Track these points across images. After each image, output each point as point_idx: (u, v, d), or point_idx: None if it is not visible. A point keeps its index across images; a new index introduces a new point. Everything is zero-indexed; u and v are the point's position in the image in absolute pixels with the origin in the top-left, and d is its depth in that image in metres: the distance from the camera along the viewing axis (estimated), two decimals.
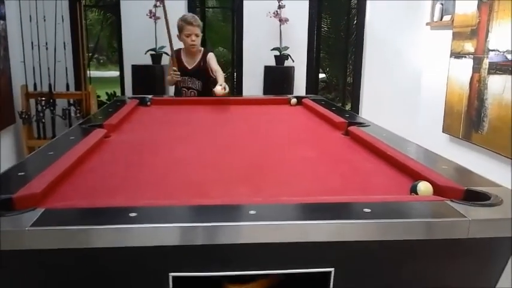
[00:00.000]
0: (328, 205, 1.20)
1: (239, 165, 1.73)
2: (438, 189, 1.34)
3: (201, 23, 3.51)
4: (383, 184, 1.53)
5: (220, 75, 3.34)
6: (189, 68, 3.56)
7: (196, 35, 3.44)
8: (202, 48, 3.60)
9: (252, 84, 5.00)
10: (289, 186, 1.51)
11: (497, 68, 3.64)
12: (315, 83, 5.52)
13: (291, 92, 4.59)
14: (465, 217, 1.12)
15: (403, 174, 1.58)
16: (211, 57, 3.52)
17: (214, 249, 1.08)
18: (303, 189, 1.48)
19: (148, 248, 1.06)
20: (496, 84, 3.66)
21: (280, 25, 4.71)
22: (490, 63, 3.73)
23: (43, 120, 4.42)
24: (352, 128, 2.23)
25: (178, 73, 3.49)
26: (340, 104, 5.91)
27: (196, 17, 3.52)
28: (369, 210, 1.14)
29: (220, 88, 3.11)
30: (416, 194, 1.35)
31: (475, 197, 1.26)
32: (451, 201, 1.22)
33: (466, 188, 1.32)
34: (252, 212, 1.13)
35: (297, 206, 1.22)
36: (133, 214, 1.10)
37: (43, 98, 4.38)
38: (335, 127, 2.42)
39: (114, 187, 1.46)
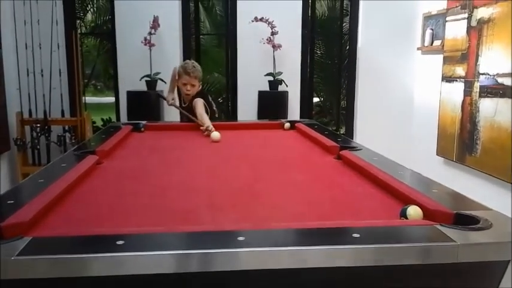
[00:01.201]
0: (317, 230, 1.20)
1: (230, 191, 1.73)
2: (428, 213, 1.34)
3: (200, 75, 3.53)
4: (373, 208, 1.53)
5: (204, 119, 3.22)
6: (184, 105, 3.64)
7: (192, 85, 3.49)
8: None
9: (246, 109, 5.03)
10: (279, 210, 1.51)
11: (488, 91, 3.68)
12: (308, 108, 5.56)
13: (285, 117, 4.61)
14: (454, 241, 1.11)
15: (393, 198, 1.58)
16: (197, 103, 3.41)
17: (202, 277, 1.07)
18: (294, 213, 1.48)
19: (135, 277, 1.04)
20: (487, 107, 3.69)
21: (273, 51, 4.77)
22: (481, 87, 3.77)
23: (38, 147, 4.42)
24: (344, 152, 2.24)
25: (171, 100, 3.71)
26: (335, 128, 5.94)
27: (197, 67, 3.53)
28: (358, 235, 1.14)
29: (210, 133, 2.97)
30: (406, 218, 1.35)
31: (465, 221, 1.26)
32: (441, 225, 1.22)
33: (455, 212, 1.32)
34: (240, 238, 1.12)
35: (287, 231, 1.22)
36: (120, 242, 1.09)
37: (38, 125, 4.39)
38: (327, 151, 2.43)
39: (102, 215, 1.46)
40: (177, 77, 3.58)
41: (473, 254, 1.12)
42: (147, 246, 1.09)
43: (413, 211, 1.36)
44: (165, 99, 3.75)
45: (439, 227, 1.21)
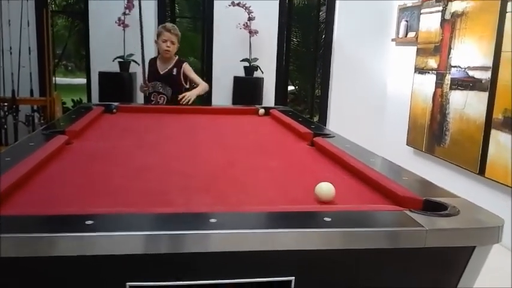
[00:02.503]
0: (289, 214, 1.21)
1: (203, 174, 1.72)
2: (398, 200, 1.36)
3: (179, 33, 3.64)
4: (344, 194, 1.55)
5: (201, 83, 3.68)
6: (161, 72, 3.66)
7: (172, 43, 3.57)
8: (177, 57, 3.71)
9: (221, 94, 5.00)
10: (252, 195, 1.51)
11: (458, 84, 3.76)
12: (283, 95, 5.57)
13: (260, 103, 4.62)
14: (422, 227, 1.14)
15: (364, 184, 1.61)
16: (188, 69, 3.68)
17: (172, 258, 1.06)
18: (266, 198, 1.48)
19: (104, 257, 1.03)
20: (457, 99, 3.77)
21: (250, 37, 4.74)
22: (452, 79, 3.85)
23: (5, 127, 4.31)
24: (317, 139, 2.25)
25: (146, 86, 3.64)
26: (309, 116, 5.97)
27: (176, 27, 3.66)
28: (329, 219, 1.15)
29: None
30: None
31: (433, 207, 1.29)
32: (410, 211, 1.24)
33: (424, 198, 1.34)
34: (212, 220, 1.12)
35: (258, 214, 1.22)
36: (89, 222, 1.07)
37: (5, 104, 4.27)
38: (301, 138, 2.44)
39: (71, 195, 1.43)
40: (156, 38, 3.69)
41: (440, 240, 1.15)
42: (116, 226, 1.08)
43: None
44: (146, 85, 3.66)
45: (408, 212, 1.23)
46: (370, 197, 1.48)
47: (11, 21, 4.21)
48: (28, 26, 4.33)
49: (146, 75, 3.65)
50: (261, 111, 3.34)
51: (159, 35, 3.62)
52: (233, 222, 1.14)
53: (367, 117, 5.20)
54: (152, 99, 3.67)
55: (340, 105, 5.29)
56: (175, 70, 3.67)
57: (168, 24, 3.69)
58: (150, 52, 4.83)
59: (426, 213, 1.23)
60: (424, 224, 1.15)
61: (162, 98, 3.64)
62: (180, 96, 3.51)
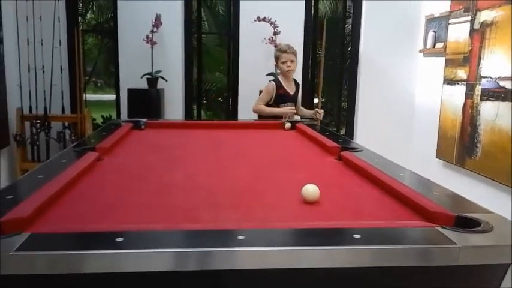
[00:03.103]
0: (317, 230, 1.19)
1: (230, 190, 1.73)
2: (429, 215, 1.33)
3: (295, 51, 3.76)
4: (374, 209, 1.53)
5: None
6: (291, 93, 3.83)
7: (292, 61, 3.71)
8: (293, 78, 3.91)
9: (248, 108, 5.01)
10: (279, 210, 1.50)
11: (489, 95, 3.68)
12: (309, 108, 5.54)
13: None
14: (455, 244, 1.11)
15: (394, 199, 1.58)
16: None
17: (201, 275, 1.06)
18: (294, 214, 1.47)
19: (134, 274, 1.04)
20: (488, 110, 3.69)
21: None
22: (483, 90, 3.77)
23: (37, 143, 4.42)
24: (344, 153, 2.23)
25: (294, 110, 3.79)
26: (335, 129, 5.93)
27: (290, 45, 3.78)
28: (358, 236, 1.13)
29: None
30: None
31: (466, 223, 1.26)
32: (442, 227, 1.21)
33: (456, 214, 1.31)
34: (240, 237, 1.12)
35: (286, 231, 1.21)
36: (119, 239, 1.08)
37: (38, 121, 4.39)
38: (328, 152, 2.42)
39: (101, 211, 1.45)
40: (275, 62, 3.86)
41: (474, 257, 1.11)
42: (146, 243, 1.08)
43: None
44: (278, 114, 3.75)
45: (440, 229, 1.20)
46: (400, 212, 1.45)
47: (43, 41, 4.34)
48: (60, 45, 4.46)
49: (272, 99, 3.75)
50: (287, 125, 3.34)
51: (277, 58, 3.75)
52: (261, 239, 1.13)
53: (395, 130, 5.13)
54: (284, 119, 3.69)
55: (367, 118, 5.24)
56: (296, 90, 3.89)
57: (283, 46, 3.81)
58: (177, 70, 4.93)
59: (459, 229, 1.20)
60: (457, 241, 1.12)
61: (290, 116, 3.81)
62: (320, 112, 3.74)
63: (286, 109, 3.71)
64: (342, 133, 5.60)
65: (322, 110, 3.75)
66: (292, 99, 3.82)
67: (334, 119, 7.01)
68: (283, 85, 3.77)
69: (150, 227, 1.20)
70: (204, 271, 1.06)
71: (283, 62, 3.70)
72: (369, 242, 1.12)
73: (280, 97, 3.75)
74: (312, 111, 3.86)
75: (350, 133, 5.36)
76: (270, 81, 3.90)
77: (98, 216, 1.40)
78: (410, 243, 1.15)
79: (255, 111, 3.84)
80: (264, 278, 1.07)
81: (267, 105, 3.78)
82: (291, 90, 3.81)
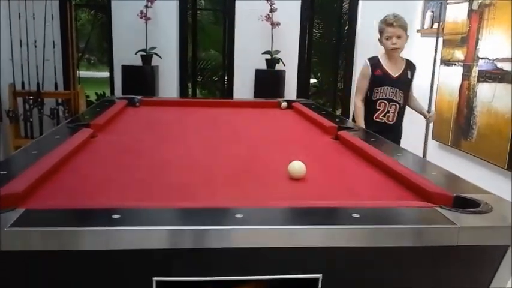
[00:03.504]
0: (316, 210, 1.18)
1: (226, 168, 1.71)
2: (427, 196, 1.32)
3: (405, 24, 3.02)
4: (372, 189, 1.52)
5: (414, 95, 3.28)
6: (394, 75, 3.06)
7: (399, 37, 2.98)
8: (405, 58, 3.20)
9: (243, 87, 4.98)
10: (277, 189, 1.49)
11: (486, 76, 3.66)
12: (305, 88, 5.52)
13: (282, 96, 4.57)
14: (455, 224, 1.10)
15: (391, 179, 1.57)
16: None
17: (199, 254, 1.05)
18: (291, 193, 1.46)
19: (130, 251, 1.03)
20: (485, 92, 3.68)
21: (271, 29, 4.70)
22: (480, 71, 3.74)
23: (30, 120, 4.36)
24: (341, 133, 2.22)
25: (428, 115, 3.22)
26: (331, 109, 5.91)
27: (399, 16, 3.02)
28: (357, 216, 1.12)
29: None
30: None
31: (465, 203, 1.25)
32: (441, 207, 1.21)
33: (455, 194, 1.30)
34: (238, 215, 1.10)
35: (285, 210, 1.20)
36: (116, 216, 1.07)
37: (31, 97, 4.33)
38: (325, 131, 2.40)
39: (97, 188, 1.43)
40: (378, 36, 3.13)
41: (473, 238, 1.11)
42: (143, 221, 1.07)
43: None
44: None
45: (439, 209, 1.20)
46: (398, 192, 1.45)
47: (35, 16, 4.25)
48: (52, 19, 4.37)
49: (367, 81, 3.06)
50: (284, 104, 3.31)
51: (381, 32, 3.06)
52: (260, 217, 1.12)
53: None
54: (378, 108, 3.04)
55: None
56: (409, 73, 3.15)
57: (389, 17, 3.03)
58: (172, 47, 4.86)
59: (458, 210, 1.19)
60: (456, 221, 1.12)
61: (394, 107, 3.06)
62: (432, 116, 3.32)
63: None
64: (338, 113, 5.59)
65: (434, 113, 3.35)
66: (397, 83, 3.04)
67: (330, 98, 6.99)
68: (383, 64, 3.05)
69: (146, 205, 1.19)
70: (202, 249, 1.05)
71: (388, 38, 2.98)
72: (368, 221, 1.11)
73: (378, 80, 3.03)
74: (424, 109, 3.31)
75: (346, 113, 5.34)
76: (365, 61, 3.15)
77: (93, 193, 1.38)
78: (410, 223, 1.14)
79: (354, 106, 3.15)
80: (262, 257, 1.06)
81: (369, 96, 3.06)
82: (394, 71, 3.06)
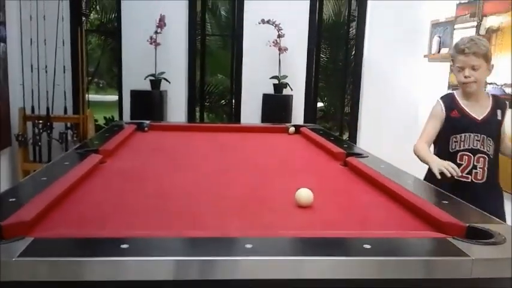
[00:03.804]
0: (326, 240, 1.17)
1: (235, 195, 1.70)
2: (439, 226, 1.30)
3: (483, 50, 2.22)
4: (382, 218, 1.50)
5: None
6: (478, 118, 2.31)
7: (474, 68, 2.23)
8: (490, 94, 2.45)
9: (251, 111, 4.99)
10: (286, 218, 1.48)
11: None
12: (313, 112, 5.52)
13: (289, 121, 4.58)
14: (468, 256, 1.08)
15: (402, 208, 1.55)
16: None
17: (208, 285, 1.04)
18: (301, 221, 1.45)
19: (139, 282, 1.01)
20: None
21: (279, 54, 4.74)
22: None
23: (39, 144, 4.38)
24: (350, 159, 2.21)
25: (455, 169, 2.10)
26: (338, 133, 5.90)
27: (476, 40, 2.26)
28: (369, 247, 1.10)
29: None
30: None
31: (478, 234, 1.23)
32: (453, 238, 1.19)
33: (468, 224, 1.28)
34: (248, 245, 1.09)
35: (295, 240, 1.19)
36: (124, 246, 1.06)
37: (40, 121, 4.35)
38: (333, 157, 2.39)
39: (105, 216, 1.42)
40: (450, 67, 2.53)
41: (487, 270, 1.09)
42: (152, 251, 1.06)
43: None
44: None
45: (451, 240, 1.18)
46: (409, 221, 1.43)
47: (47, 41, 4.32)
48: (63, 45, 4.43)
49: (439, 123, 2.41)
50: (291, 129, 3.31)
51: (452, 62, 2.36)
52: (269, 248, 1.11)
53: (399, 135, 5.08)
54: (460, 162, 2.28)
55: (371, 123, 5.21)
56: (498, 113, 2.35)
57: (461, 41, 2.29)
58: (181, 72, 4.90)
59: (471, 241, 1.17)
60: (470, 253, 1.10)
61: (482, 160, 2.30)
62: None
63: (444, 163, 2.12)
64: (345, 137, 5.58)
65: None
66: (483, 128, 2.29)
67: (337, 123, 6.99)
68: (461, 104, 2.36)
69: (154, 234, 1.18)
70: (211, 280, 1.03)
71: (460, 70, 2.28)
72: (379, 252, 1.09)
73: (456, 124, 2.33)
74: None
75: (353, 137, 5.33)
76: (438, 100, 2.50)
77: (102, 221, 1.37)
78: (423, 254, 1.12)
79: (414, 152, 2.44)
80: None
81: (440, 141, 2.41)
82: (477, 112, 2.32)
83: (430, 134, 2.43)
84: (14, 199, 1.43)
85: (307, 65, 5.12)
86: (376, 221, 1.46)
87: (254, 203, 1.61)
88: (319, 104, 8.09)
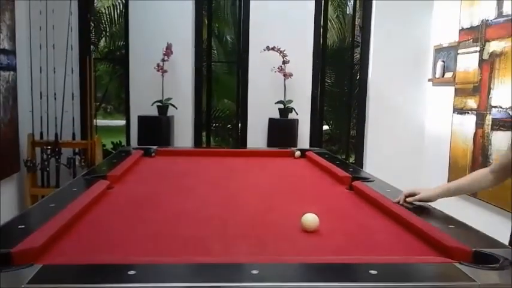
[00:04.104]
0: (332, 266, 1.17)
1: (241, 221, 1.71)
2: (446, 250, 1.30)
3: None
4: (388, 243, 1.50)
5: None
6: None
7: None
8: None
9: (256, 136, 5.03)
10: (292, 243, 1.48)
11: (500, 124, 3.66)
12: (319, 136, 5.55)
13: (295, 145, 4.60)
14: (474, 281, 1.08)
15: (408, 232, 1.55)
16: None
17: None
18: (307, 247, 1.45)
19: None
20: (500, 140, 3.66)
21: (284, 79, 4.79)
22: (493, 120, 3.75)
23: (48, 169, 4.43)
24: (356, 183, 2.22)
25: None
26: (344, 156, 5.91)
27: None
28: (375, 272, 1.11)
29: None
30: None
31: (484, 259, 1.23)
32: (460, 263, 1.19)
33: (474, 249, 1.28)
34: (254, 271, 1.10)
35: (301, 265, 1.19)
36: (132, 272, 1.07)
37: (49, 147, 4.40)
38: (339, 181, 2.40)
39: (113, 242, 1.44)
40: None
41: None
42: (158, 277, 1.07)
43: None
44: None
45: (458, 265, 1.18)
46: (416, 246, 1.43)
47: (56, 69, 4.40)
48: (72, 73, 4.51)
49: None
50: (297, 153, 3.33)
51: None
52: (275, 274, 1.11)
53: (405, 159, 5.09)
54: None
55: (377, 146, 5.22)
56: None
57: None
58: (187, 98, 4.96)
59: (477, 266, 1.17)
60: (476, 278, 1.10)
61: None
62: None
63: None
64: (351, 161, 5.58)
65: None
66: None
67: (343, 146, 7.00)
68: None
69: (161, 260, 1.19)
70: None
71: None
72: (386, 278, 1.09)
73: None
74: None
75: (359, 161, 5.33)
76: None
77: (110, 247, 1.39)
78: (430, 280, 1.12)
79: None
80: None
81: None
82: None
83: (502, 164, 1.75)
84: (23, 226, 1.45)
85: (312, 89, 5.17)
86: (382, 246, 1.46)
87: (260, 228, 1.62)
88: (325, 127, 8.12)
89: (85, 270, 1.13)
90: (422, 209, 1.83)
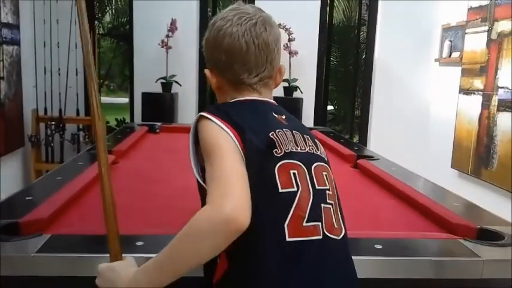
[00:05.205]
0: None
1: None
2: (450, 227, 1.31)
3: None
4: (393, 219, 1.51)
5: None
6: None
7: None
8: None
9: None
10: None
11: (506, 106, 3.64)
12: (323, 115, 5.53)
13: None
14: (479, 257, 1.09)
15: (413, 209, 1.56)
16: None
17: None
18: None
19: None
20: (505, 121, 3.65)
21: (289, 57, 4.76)
22: (500, 100, 3.72)
23: (52, 144, 4.44)
24: (361, 161, 2.22)
25: None
26: (348, 136, 5.90)
27: None
28: (380, 247, 1.12)
29: None
30: None
31: (488, 236, 1.23)
32: (464, 239, 1.19)
33: (479, 226, 1.29)
34: None
35: None
36: (139, 243, 1.08)
37: (53, 122, 4.42)
38: (344, 160, 2.40)
39: (120, 215, 1.44)
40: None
41: (497, 271, 1.10)
42: None
43: None
44: None
45: (462, 241, 1.19)
46: (420, 223, 1.43)
47: (60, 44, 4.38)
48: (76, 48, 4.49)
49: None
50: None
51: None
52: None
53: (409, 139, 5.08)
54: None
55: (381, 126, 5.20)
56: None
57: None
58: (192, 75, 4.94)
59: (482, 242, 1.18)
60: (481, 254, 1.11)
61: None
62: None
63: None
64: (355, 140, 5.58)
65: None
66: None
67: (347, 126, 6.99)
68: None
69: (169, 231, 1.20)
70: None
71: None
72: (391, 252, 1.10)
73: None
74: None
75: (363, 141, 5.32)
76: None
77: (117, 219, 1.39)
78: (435, 255, 1.13)
79: None
80: None
81: None
82: None
83: None
84: (30, 197, 1.46)
85: (317, 68, 5.14)
86: (387, 222, 1.47)
87: None
88: (329, 107, 8.10)
89: (93, 240, 1.15)
90: (427, 187, 1.84)
